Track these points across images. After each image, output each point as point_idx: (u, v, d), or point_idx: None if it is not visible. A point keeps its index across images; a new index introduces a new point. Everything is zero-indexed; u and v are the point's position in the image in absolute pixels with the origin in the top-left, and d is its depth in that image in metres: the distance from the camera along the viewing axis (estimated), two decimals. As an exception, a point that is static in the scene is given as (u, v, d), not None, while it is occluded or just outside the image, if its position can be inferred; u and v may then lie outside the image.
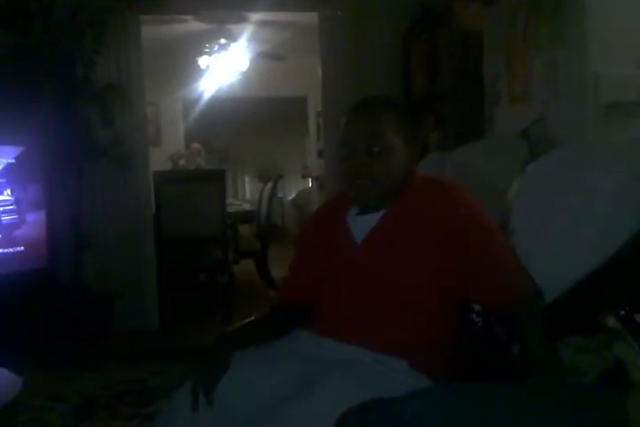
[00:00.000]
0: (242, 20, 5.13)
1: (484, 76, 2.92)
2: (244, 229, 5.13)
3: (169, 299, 3.92)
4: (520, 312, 1.25)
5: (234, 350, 1.26)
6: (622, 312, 0.80)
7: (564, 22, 2.24)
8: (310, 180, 8.36)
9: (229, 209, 4.58)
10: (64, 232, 3.48)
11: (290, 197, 9.13)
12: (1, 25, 3.25)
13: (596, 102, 2.12)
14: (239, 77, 5.97)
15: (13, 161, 3.08)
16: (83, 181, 3.55)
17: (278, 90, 6.89)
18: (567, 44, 2.24)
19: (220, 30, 5.41)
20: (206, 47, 5.61)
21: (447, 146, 2.96)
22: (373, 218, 1.38)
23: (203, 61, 5.72)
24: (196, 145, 6.74)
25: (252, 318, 1.43)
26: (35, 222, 3.20)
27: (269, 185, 4.96)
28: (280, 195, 7.41)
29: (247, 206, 6.06)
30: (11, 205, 3.06)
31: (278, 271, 4.56)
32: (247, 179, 10.20)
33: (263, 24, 5.17)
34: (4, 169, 3.04)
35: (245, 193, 10.00)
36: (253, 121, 8.33)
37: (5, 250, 3.05)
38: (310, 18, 4.00)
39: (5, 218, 3.04)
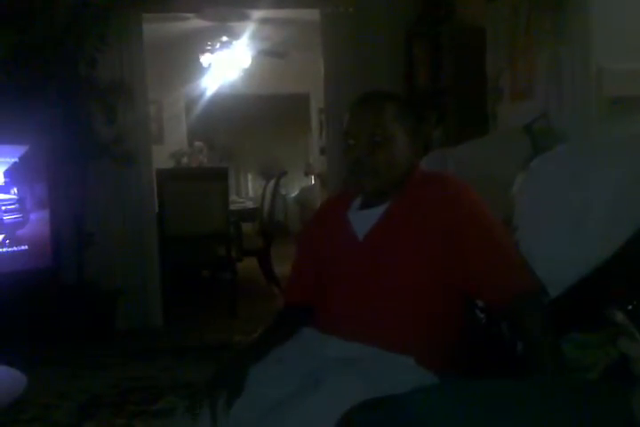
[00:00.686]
0: (244, 17, 5.12)
1: (487, 72, 2.91)
2: (247, 227, 5.13)
3: (172, 296, 3.93)
4: (522, 308, 1.25)
5: (249, 367, 1.25)
6: (630, 307, 0.80)
7: (567, 17, 2.23)
8: (313, 177, 8.36)
9: (232, 207, 4.58)
10: (67, 230, 3.49)
11: (293, 195, 9.13)
12: (3, 24, 3.26)
13: (600, 97, 2.11)
14: (241, 75, 5.97)
15: (17, 160, 3.09)
16: (86, 179, 3.56)
17: (280, 87, 6.88)
18: (570, 38, 2.23)
19: (222, 28, 5.41)
20: (208, 45, 5.61)
21: (450, 142, 2.96)
22: (375, 213, 1.37)
23: (205, 59, 5.72)
24: (198, 143, 6.73)
25: (264, 328, 1.43)
26: (38, 221, 3.20)
27: (272, 182, 4.96)
28: (283, 192, 7.39)
29: (250, 204, 6.06)
30: (13, 204, 3.06)
31: (281, 269, 4.57)
32: (250, 176, 10.21)
33: (265, 21, 5.16)
34: (8, 168, 3.04)
35: (248, 191, 10.01)
36: (256, 118, 8.33)
37: (9, 249, 3.06)
38: (312, 15, 3.99)
39: (8, 217, 3.04)
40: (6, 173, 3.04)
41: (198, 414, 1.20)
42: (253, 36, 5.50)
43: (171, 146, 6.49)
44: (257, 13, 4.94)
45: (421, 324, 1.30)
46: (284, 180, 5.22)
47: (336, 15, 3.81)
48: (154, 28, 4.40)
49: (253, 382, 1.21)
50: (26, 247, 3.14)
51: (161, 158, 5.51)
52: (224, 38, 5.51)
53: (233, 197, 5.62)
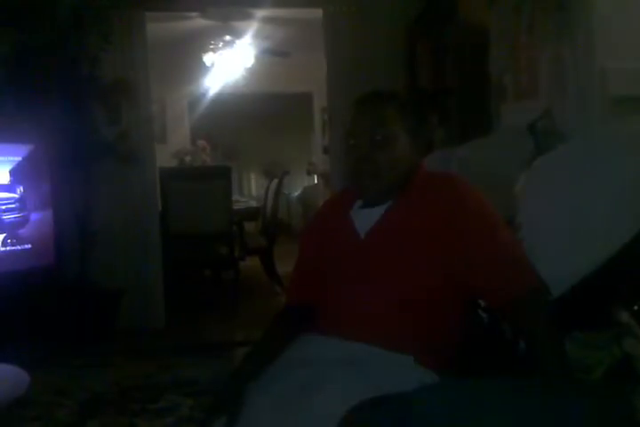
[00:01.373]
0: (247, 16, 5.12)
1: (490, 71, 2.90)
2: (250, 226, 5.14)
3: (175, 295, 3.94)
4: (525, 308, 1.24)
5: (245, 388, 1.22)
6: (636, 307, 0.79)
7: (571, 16, 2.22)
8: (316, 176, 8.36)
9: (235, 206, 4.58)
10: (70, 230, 3.49)
11: (295, 194, 9.13)
12: (6, 23, 3.26)
13: (603, 97, 2.10)
14: (244, 74, 5.97)
15: (20, 159, 3.10)
16: (89, 178, 3.56)
17: (283, 86, 6.88)
18: (573, 38, 2.22)
19: (225, 27, 5.41)
20: (211, 44, 5.61)
21: (453, 141, 2.95)
22: (377, 212, 1.37)
23: (208, 58, 5.72)
24: (201, 142, 6.74)
25: (262, 335, 1.41)
26: (41, 220, 3.21)
27: (275, 181, 4.96)
28: (286, 191, 7.40)
29: (253, 203, 6.06)
30: (13, 203, 3.06)
31: (284, 267, 4.57)
32: (253, 175, 10.22)
33: (268, 20, 5.16)
34: (13, 167, 3.05)
35: (251, 190, 10.02)
36: (259, 117, 8.33)
37: (11, 248, 3.06)
38: (315, 14, 3.99)
39: (8, 216, 3.04)
40: (10, 172, 3.04)
41: None
42: (256, 36, 5.50)
43: (174, 145, 6.50)
44: (260, 13, 4.94)
45: (422, 323, 1.30)
46: (286, 179, 5.22)
47: (339, 14, 3.81)
48: (157, 27, 4.40)
49: (252, 405, 1.19)
50: (29, 246, 3.15)
51: (164, 157, 5.52)
52: (227, 37, 5.51)
53: (236, 197, 5.62)
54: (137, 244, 3.73)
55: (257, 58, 5.84)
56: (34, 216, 3.18)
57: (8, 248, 3.05)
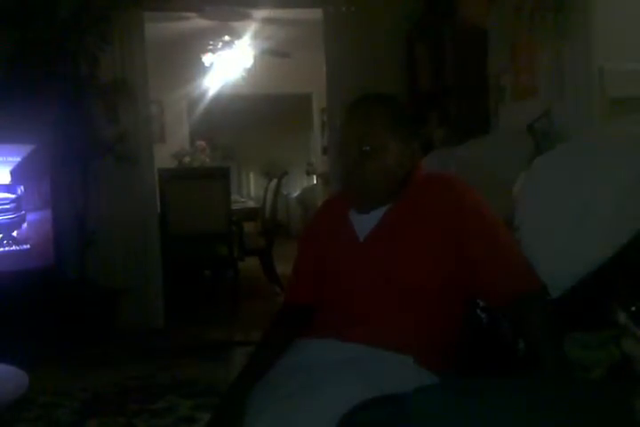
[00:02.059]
0: (246, 17, 5.12)
1: (489, 71, 2.91)
2: (249, 227, 5.13)
3: (174, 296, 3.93)
4: (525, 308, 1.24)
5: (246, 397, 1.22)
6: (633, 308, 0.80)
7: (570, 16, 2.23)
8: (315, 177, 8.36)
9: (234, 206, 4.59)
10: (70, 230, 3.49)
11: (294, 195, 9.13)
12: (6, 23, 3.26)
13: (602, 97, 2.10)
14: (243, 74, 5.97)
15: (20, 159, 3.09)
16: (88, 178, 3.56)
17: (283, 87, 6.88)
18: (572, 38, 2.22)
19: (225, 27, 5.41)
20: (210, 44, 5.61)
21: (452, 141, 2.96)
22: (376, 215, 1.37)
23: (207, 59, 5.72)
24: (200, 142, 6.74)
25: (261, 342, 1.41)
26: (41, 220, 3.20)
27: (274, 182, 4.96)
28: (285, 192, 7.40)
29: (252, 203, 6.06)
30: (8, 203, 3.05)
31: (283, 268, 4.57)
32: (252, 176, 10.21)
33: (267, 21, 5.16)
34: (13, 167, 3.05)
35: (250, 190, 10.01)
36: (258, 118, 8.33)
37: (7, 249, 3.05)
38: (314, 14, 3.99)
39: (3, 217, 3.02)
40: (10, 173, 3.04)
41: None
42: (255, 36, 5.50)
43: (173, 145, 6.50)
44: (259, 13, 4.93)
45: (421, 324, 1.30)
46: (285, 179, 5.22)
47: (338, 15, 3.81)
48: (156, 27, 4.40)
49: (252, 407, 1.19)
50: (27, 246, 3.15)
51: (163, 158, 5.52)
52: (226, 38, 5.51)
53: (235, 197, 5.62)
54: (136, 244, 3.73)
55: (256, 58, 5.84)
56: (33, 216, 3.18)
57: (6, 249, 3.05)
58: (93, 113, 3.52)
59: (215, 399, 1.31)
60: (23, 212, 3.11)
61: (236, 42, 5.56)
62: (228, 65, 5.77)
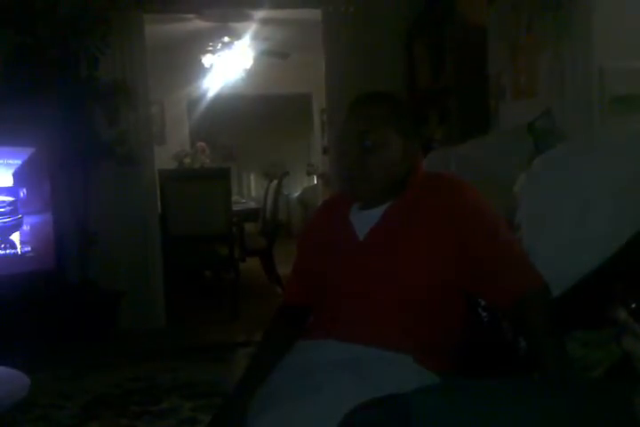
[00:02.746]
0: (245, 17, 5.12)
1: (489, 71, 2.91)
2: (250, 227, 5.13)
3: (175, 297, 3.94)
4: (527, 308, 1.24)
5: (247, 405, 1.22)
6: (634, 305, 0.79)
7: (569, 15, 2.22)
8: (315, 177, 8.36)
9: (235, 207, 4.58)
10: (70, 232, 3.49)
11: (295, 195, 9.13)
12: (6, 25, 3.26)
13: (602, 96, 2.10)
14: (243, 75, 5.97)
15: (20, 162, 3.09)
16: (88, 180, 3.56)
17: (282, 87, 6.88)
18: (572, 37, 2.22)
19: (224, 28, 5.41)
20: (210, 45, 5.62)
21: (452, 141, 2.96)
22: (376, 214, 1.37)
23: (207, 60, 5.72)
24: (200, 143, 6.74)
25: (262, 341, 1.41)
26: (41, 223, 3.20)
27: (274, 182, 4.96)
28: (285, 192, 7.39)
29: (252, 204, 6.06)
30: (4, 207, 3.03)
31: (284, 269, 4.57)
32: (252, 176, 10.20)
33: (267, 22, 5.16)
34: (15, 170, 3.04)
35: (251, 191, 10.00)
36: (258, 119, 8.33)
37: (6, 252, 3.04)
38: (314, 15, 3.99)
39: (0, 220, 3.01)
40: (12, 175, 3.03)
41: None
42: (255, 37, 5.50)
43: (173, 147, 6.50)
44: (258, 14, 4.94)
45: (421, 323, 1.30)
46: (286, 180, 5.22)
47: (337, 15, 3.81)
48: (155, 28, 4.40)
49: (252, 408, 1.19)
50: (28, 249, 3.15)
51: (163, 159, 5.52)
52: (225, 39, 5.51)
53: (235, 198, 5.62)
54: (137, 245, 3.73)
55: (256, 59, 5.85)
56: (34, 219, 3.17)
57: (6, 251, 3.04)
58: (93, 114, 3.52)
59: (217, 400, 1.31)
60: (20, 215, 3.09)
61: (236, 43, 5.56)
62: (228, 66, 5.77)
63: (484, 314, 1.41)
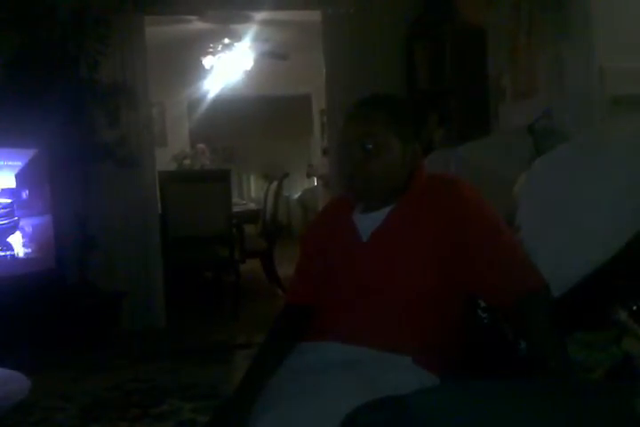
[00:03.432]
0: (245, 19, 5.13)
1: (489, 72, 2.91)
2: (250, 229, 5.13)
3: (175, 298, 3.93)
4: (528, 308, 1.24)
5: (250, 405, 1.21)
6: (635, 307, 0.79)
7: (569, 16, 2.23)
8: (315, 178, 8.36)
9: (235, 208, 4.58)
10: (71, 233, 3.49)
11: (295, 196, 9.13)
12: (6, 27, 3.26)
13: (602, 96, 2.10)
14: (243, 77, 5.97)
15: (20, 163, 3.09)
16: (89, 181, 3.56)
17: (282, 88, 6.88)
18: (572, 38, 2.22)
19: (224, 30, 5.42)
20: (210, 47, 5.62)
21: (452, 142, 2.95)
22: (379, 216, 1.37)
23: (207, 61, 5.73)
24: (200, 145, 6.74)
25: (265, 342, 1.40)
26: (42, 224, 3.20)
27: (274, 184, 4.96)
28: (285, 194, 7.39)
29: (252, 205, 6.06)
30: (3, 208, 3.02)
31: (284, 270, 4.57)
32: (252, 178, 10.20)
33: (267, 23, 5.17)
34: (11, 171, 3.04)
35: (251, 192, 10.00)
36: (258, 120, 8.33)
37: (6, 254, 3.03)
38: (314, 16, 3.99)
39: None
40: (16, 176, 3.03)
41: None
42: (255, 38, 5.50)
43: (173, 148, 6.50)
44: (258, 15, 4.94)
45: (421, 325, 1.29)
46: (286, 181, 5.21)
47: (337, 16, 3.81)
48: (156, 30, 4.40)
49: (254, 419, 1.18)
50: (29, 251, 3.15)
51: (163, 160, 5.52)
52: (226, 40, 5.51)
53: (235, 199, 5.62)
54: (137, 247, 3.73)
55: (256, 60, 5.85)
56: (34, 220, 3.17)
57: (6, 253, 3.03)
58: (94, 116, 3.52)
59: (217, 402, 1.30)
60: (16, 217, 3.08)
61: (236, 44, 5.57)
62: (228, 67, 5.77)
63: (485, 315, 1.41)
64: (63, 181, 3.40)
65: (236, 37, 5.53)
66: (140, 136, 3.72)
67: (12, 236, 3.06)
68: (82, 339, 3.26)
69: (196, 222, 4.03)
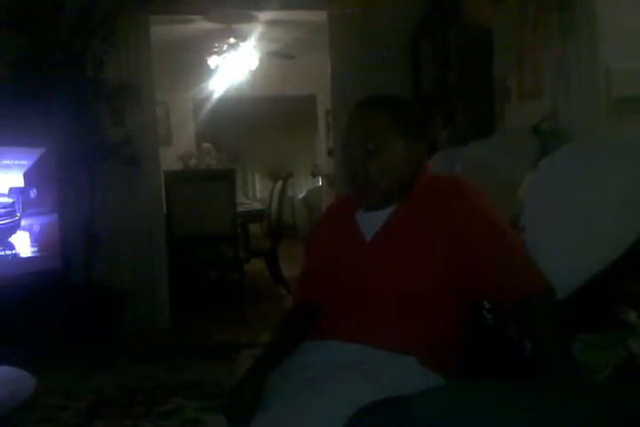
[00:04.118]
0: (251, 19, 5.13)
1: (494, 72, 2.90)
2: (255, 228, 5.14)
3: (180, 297, 3.94)
4: (532, 310, 1.24)
5: (264, 383, 1.23)
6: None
7: (575, 16, 2.22)
8: (320, 178, 8.36)
9: (240, 208, 4.59)
10: (76, 233, 3.50)
11: (300, 196, 9.13)
12: (12, 27, 3.28)
13: (608, 97, 2.10)
14: (249, 77, 5.98)
15: (28, 163, 3.10)
16: (94, 181, 3.57)
17: (288, 89, 6.88)
18: (577, 38, 2.22)
19: (230, 30, 5.42)
20: (216, 47, 5.62)
21: (457, 142, 2.95)
22: (382, 216, 1.37)
23: (212, 61, 5.73)
24: (206, 144, 6.75)
25: (273, 337, 1.41)
26: (48, 224, 3.21)
27: (279, 184, 4.96)
28: (290, 193, 7.40)
29: (257, 205, 6.06)
30: (3, 208, 3.02)
31: (289, 269, 4.57)
32: (257, 178, 10.21)
33: (272, 23, 5.17)
34: (15, 171, 3.05)
35: (256, 192, 10.01)
36: (263, 120, 8.34)
37: (7, 253, 3.04)
38: (319, 16, 3.99)
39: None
40: (24, 175, 3.03)
41: None
42: (260, 38, 5.50)
43: (178, 148, 6.51)
44: (264, 15, 4.94)
45: (426, 325, 1.30)
46: (291, 181, 5.22)
47: (343, 16, 3.81)
48: (161, 30, 4.41)
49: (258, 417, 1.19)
50: (35, 250, 3.15)
51: (169, 160, 5.53)
52: (231, 40, 5.52)
53: (240, 199, 5.63)
54: (142, 246, 3.74)
55: (261, 60, 5.85)
56: (40, 220, 3.17)
57: (6, 253, 3.04)
58: (99, 116, 3.53)
59: (222, 401, 1.30)
60: (17, 216, 3.08)
61: (242, 44, 5.57)
62: (234, 67, 5.78)
63: (489, 316, 1.41)
64: (69, 181, 3.41)
65: (242, 37, 5.53)
66: (146, 136, 3.73)
67: (14, 235, 3.07)
68: (87, 338, 3.27)
69: (201, 222, 4.04)
